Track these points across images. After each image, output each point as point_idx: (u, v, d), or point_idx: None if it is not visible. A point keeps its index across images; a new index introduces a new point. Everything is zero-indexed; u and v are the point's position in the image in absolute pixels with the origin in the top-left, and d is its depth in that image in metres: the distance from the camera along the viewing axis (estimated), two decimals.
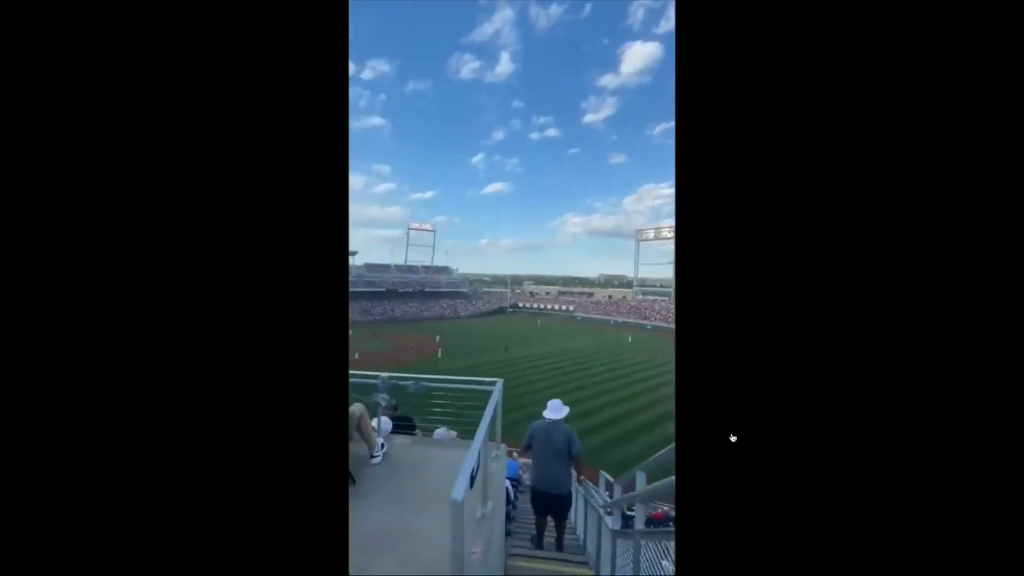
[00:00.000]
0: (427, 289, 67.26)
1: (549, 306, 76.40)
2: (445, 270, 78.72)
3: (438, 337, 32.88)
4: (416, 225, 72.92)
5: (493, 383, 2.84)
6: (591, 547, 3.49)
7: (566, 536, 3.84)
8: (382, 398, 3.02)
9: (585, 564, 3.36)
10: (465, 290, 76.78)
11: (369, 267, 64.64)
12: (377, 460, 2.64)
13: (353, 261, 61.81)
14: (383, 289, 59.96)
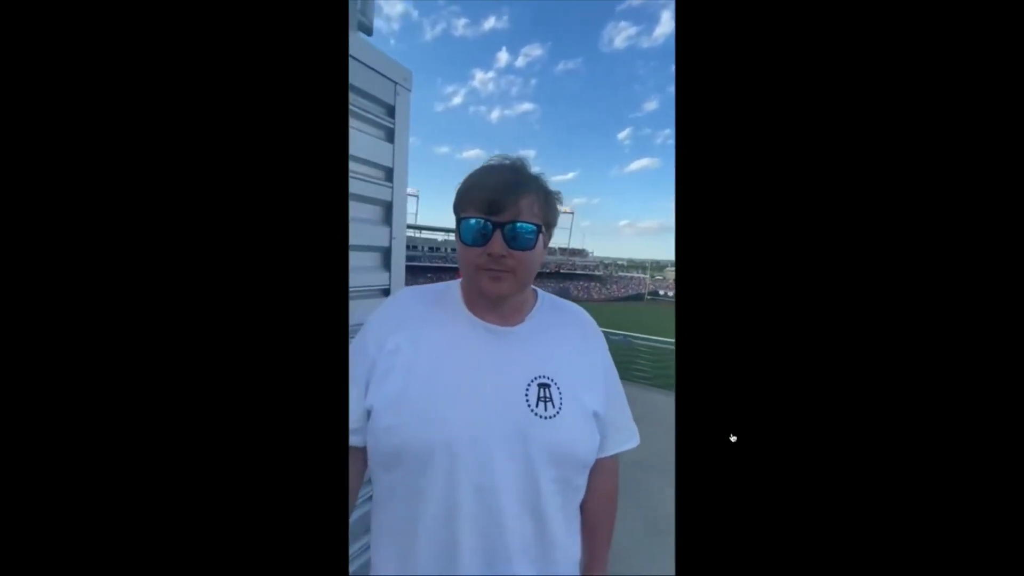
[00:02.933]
0: (562, 270, 68.69)
1: None
2: (580, 252, 78.81)
3: None
4: None
5: None
6: None
7: None
8: None
9: None
10: (600, 273, 75.79)
11: None
12: None
13: None
14: None
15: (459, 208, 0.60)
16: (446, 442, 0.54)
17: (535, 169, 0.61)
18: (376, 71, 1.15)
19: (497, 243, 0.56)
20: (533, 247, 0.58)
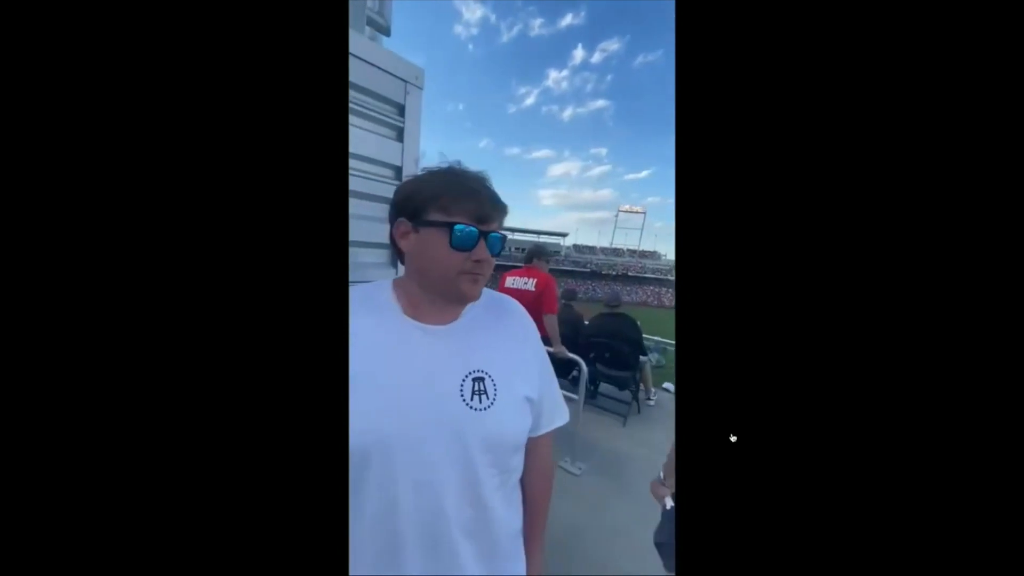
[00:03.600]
0: (631, 273, 66.04)
1: None
2: (652, 255, 75.09)
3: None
4: (626, 207, 71.66)
5: None
6: None
7: None
8: (653, 357, 3.69)
9: None
10: (672, 278, 71.48)
11: (577, 248, 68.26)
12: (651, 403, 3.48)
13: (563, 242, 66.63)
14: (588, 270, 62.51)
15: (445, 212, 0.61)
16: (382, 442, 0.56)
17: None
18: (384, 70, 1.17)
19: (482, 250, 0.61)
20: (498, 254, 0.64)
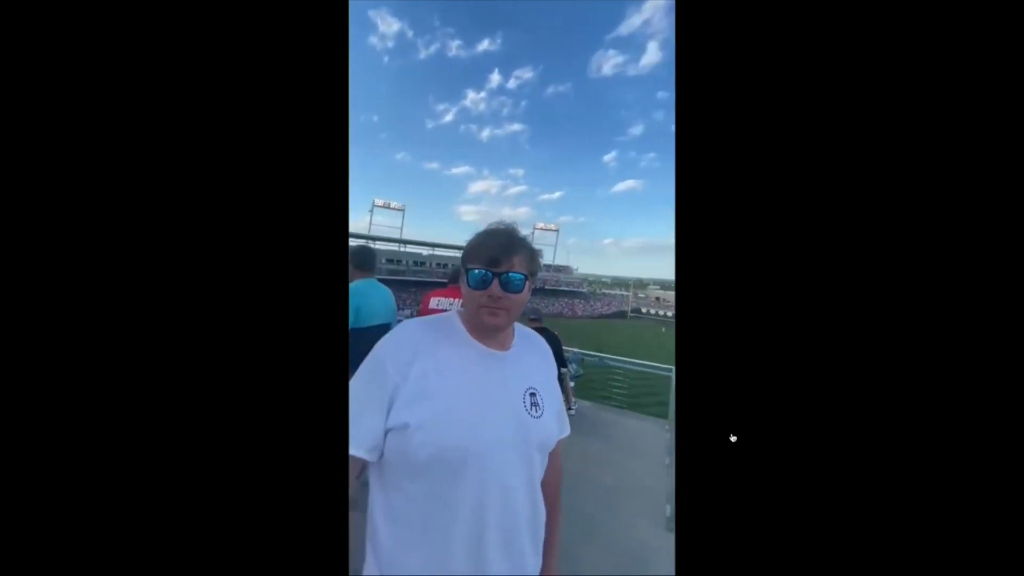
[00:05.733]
0: (547, 287, 69.12)
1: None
2: (565, 269, 79.65)
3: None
4: (541, 225, 75.19)
5: (669, 369, 3.58)
6: None
7: None
8: (572, 367, 3.94)
9: None
10: (584, 290, 76.55)
11: None
12: (572, 412, 3.68)
13: None
14: None
15: (467, 260, 0.78)
16: (477, 446, 0.69)
17: (524, 232, 0.82)
18: None
19: (495, 288, 0.74)
20: (521, 291, 0.76)
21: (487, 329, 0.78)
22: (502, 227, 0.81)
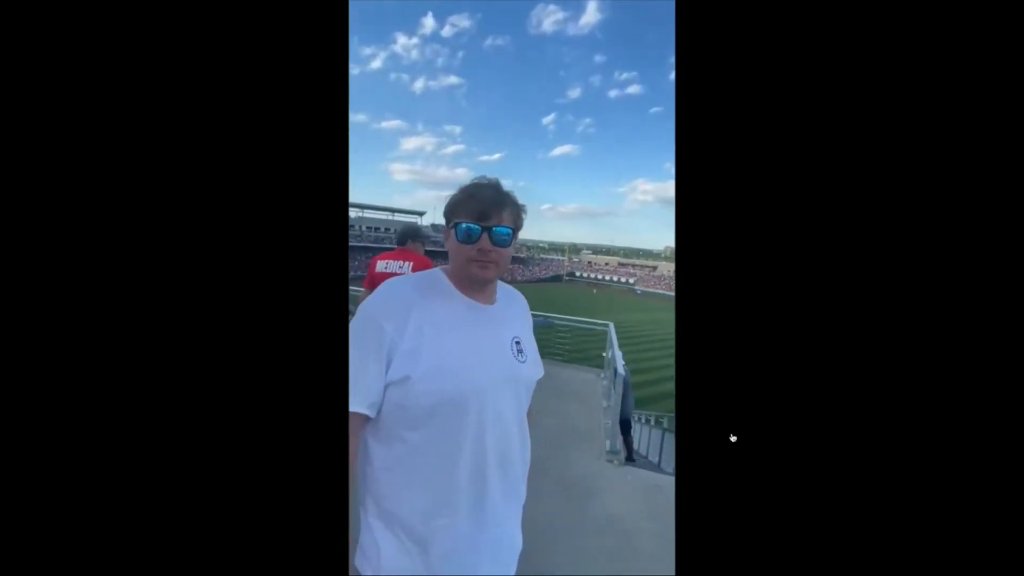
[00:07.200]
0: None
1: (608, 277, 74.88)
2: None
3: None
4: None
5: (606, 324, 3.94)
6: None
7: None
8: None
9: None
10: (522, 255, 77.71)
11: (435, 227, 67.37)
12: None
13: (421, 221, 64.91)
14: (445, 249, 62.39)
15: (454, 214, 0.81)
16: (476, 389, 0.76)
17: (507, 187, 0.86)
18: None
19: (485, 242, 0.77)
20: (509, 245, 0.81)
21: (477, 282, 0.83)
22: (487, 181, 0.84)
